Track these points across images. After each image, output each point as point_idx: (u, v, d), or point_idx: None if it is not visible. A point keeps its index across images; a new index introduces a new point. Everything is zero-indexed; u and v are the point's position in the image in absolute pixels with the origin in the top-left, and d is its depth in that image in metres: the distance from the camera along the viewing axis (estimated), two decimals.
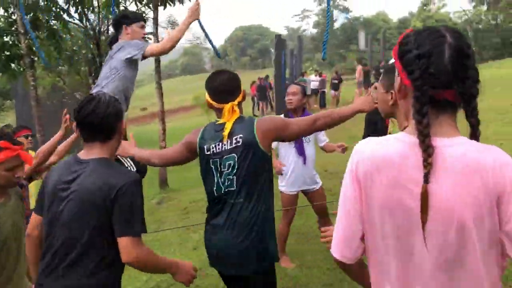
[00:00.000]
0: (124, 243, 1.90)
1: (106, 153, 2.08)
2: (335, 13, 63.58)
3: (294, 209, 4.53)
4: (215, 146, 2.43)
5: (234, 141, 2.40)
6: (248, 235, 2.35)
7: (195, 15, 3.51)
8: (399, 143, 1.29)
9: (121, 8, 8.67)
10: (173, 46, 3.35)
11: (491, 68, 27.14)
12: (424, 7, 43.22)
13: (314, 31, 67.76)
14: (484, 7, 46.71)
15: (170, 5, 9.47)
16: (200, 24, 4.33)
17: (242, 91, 2.55)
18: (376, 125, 4.17)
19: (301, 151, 4.34)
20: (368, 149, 1.34)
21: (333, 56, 57.20)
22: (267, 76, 21.80)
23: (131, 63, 3.36)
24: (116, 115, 2.08)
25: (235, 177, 2.38)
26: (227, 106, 2.46)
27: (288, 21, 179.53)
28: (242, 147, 2.38)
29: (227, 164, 2.40)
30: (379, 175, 1.28)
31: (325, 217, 4.55)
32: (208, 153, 2.45)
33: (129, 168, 3.15)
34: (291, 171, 4.36)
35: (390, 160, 1.26)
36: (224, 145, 2.42)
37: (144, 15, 6.90)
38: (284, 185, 4.48)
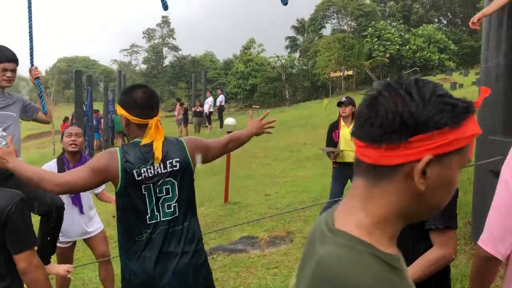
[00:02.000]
0: (22, 256, 2.00)
1: None
2: (165, 50, 64.47)
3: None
4: (147, 170, 2.22)
5: (169, 165, 2.26)
6: (195, 259, 2.31)
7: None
8: None
9: None
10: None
11: (300, 109, 30.33)
12: (246, 51, 46.50)
13: (144, 66, 67.40)
14: (297, 54, 52.42)
15: None
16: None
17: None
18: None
19: (75, 201, 3.99)
20: None
21: (163, 92, 57.41)
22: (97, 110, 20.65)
23: None
24: None
25: (177, 203, 2.27)
26: (152, 122, 2.26)
27: (116, 55, 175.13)
28: (180, 171, 2.28)
29: (164, 189, 2.24)
30: None
31: (106, 263, 4.24)
32: (140, 178, 2.21)
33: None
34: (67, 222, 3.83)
35: None
36: (157, 168, 2.24)
37: None
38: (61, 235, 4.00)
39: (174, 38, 64.27)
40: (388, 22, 49.54)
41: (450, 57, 43.74)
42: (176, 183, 2.27)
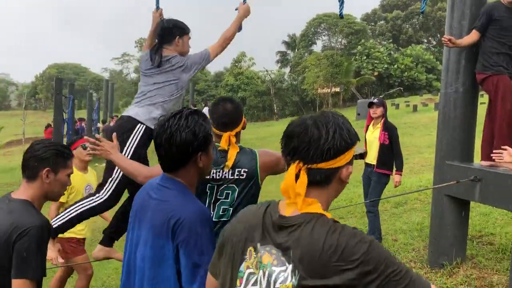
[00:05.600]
0: (16, 284, 1.96)
1: (30, 195, 2.14)
2: None
3: None
4: (216, 172, 2.38)
5: (237, 173, 2.41)
6: None
7: (246, 13, 3.52)
8: None
9: None
10: (227, 45, 3.43)
11: (286, 123, 30.48)
12: (236, 64, 46.77)
13: (135, 75, 67.36)
14: (287, 69, 52.81)
15: None
16: None
17: (242, 121, 2.53)
18: None
19: None
20: None
21: None
22: (82, 119, 20.58)
23: None
24: (41, 160, 2.13)
25: (231, 208, 2.39)
26: (225, 135, 2.42)
27: (107, 63, 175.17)
28: (245, 181, 2.40)
29: (225, 193, 2.40)
30: None
31: None
32: (208, 176, 2.35)
33: (104, 193, 3.09)
34: None
35: None
36: (225, 173, 2.40)
37: None
38: None
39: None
40: (378, 41, 50.24)
41: (438, 77, 44.38)
42: (237, 190, 2.42)
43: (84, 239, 4.36)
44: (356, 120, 21.96)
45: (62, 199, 3.95)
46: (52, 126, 14.46)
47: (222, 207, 2.42)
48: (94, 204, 3.12)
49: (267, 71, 44.16)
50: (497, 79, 3.91)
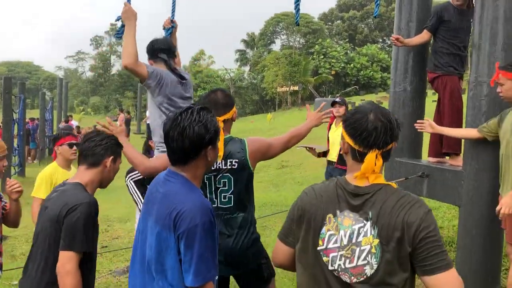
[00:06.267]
0: (61, 255, 2.14)
1: (85, 179, 2.34)
2: (113, 58, 63.10)
3: None
4: None
5: (229, 163, 2.59)
6: (245, 240, 2.63)
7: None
8: None
9: None
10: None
11: (247, 122, 30.57)
12: (195, 62, 46.43)
13: (91, 74, 65.61)
14: (247, 68, 52.89)
15: None
16: None
17: (232, 109, 2.70)
18: None
19: None
20: None
21: (109, 101, 56.08)
22: (34, 118, 19.69)
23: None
24: (106, 148, 2.36)
25: (232, 195, 2.60)
26: None
27: (61, 61, 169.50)
28: (237, 169, 2.59)
29: (222, 182, 2.60)
30: None
31: None
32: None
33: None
34: None
35: None
36: (219, 164, 2.58)
37: None
38: None
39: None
40: (335, 40, 51.19)
41: None
42: (232, 179, 2.60)
43: None
44: None
45: (45, 196, 3.79)
46: (1, 126, 13.87)
47: (223, 194, 2.62)
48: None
49: (226, 69, 44.04)
50: (446, 79, 4.03)
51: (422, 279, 1.60)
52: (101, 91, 59.53)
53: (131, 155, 2.74)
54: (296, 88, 38.53)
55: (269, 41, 52.02)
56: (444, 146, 4.07)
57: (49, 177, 3.85)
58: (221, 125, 2.48)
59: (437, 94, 4.27)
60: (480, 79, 3.47)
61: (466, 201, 3.54)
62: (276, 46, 52.30)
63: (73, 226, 2.14)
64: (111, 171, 2.41)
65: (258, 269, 2.78)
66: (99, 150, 2.34)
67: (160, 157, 2.79)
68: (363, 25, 54.36)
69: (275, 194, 8.21)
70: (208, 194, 2.60)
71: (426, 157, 4.34)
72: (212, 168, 2.56)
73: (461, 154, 3.86)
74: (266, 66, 42.18)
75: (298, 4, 3.32)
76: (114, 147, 2.42)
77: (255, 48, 52.16)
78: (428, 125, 3.70)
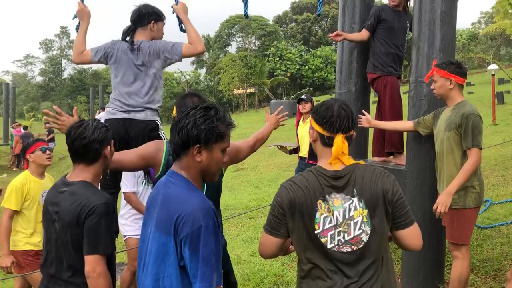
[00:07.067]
0: (89, 260, 2.08)
1: (89, 176, 2.25)
2: (64, 62, 61.18)
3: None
4: None
5: None
6: None
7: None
8: None
9: None
10: (203, 47, 3.35)
11: None
12: None
13: (41, 78, 63.31)
14: (203, 70, 52.59)
15: None
16: None
17: None
18: None
19: None
20: None
21: (61, 106, 54.27)
22: None
23: (166, 64, 3.33)
24: (101, 141, 2.22)
25: None
26: None
27: (9, 66, 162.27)
28: None
29: None
30: None
31: None
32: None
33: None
34: None
35: None
36: None
37: None
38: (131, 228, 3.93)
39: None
40: (290, 42, 51.74)
41: None
42: (204, 184, 2.48)
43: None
44: None
45: (16, 207, 3.66)
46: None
47: None
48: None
49: (181, 72, 43.59)
50: (386, 79, 4.11)
51: (396, 233, 1.95)
52: (52, 96, 57.55)
53: None
54: (252, 90, 38.64)
55: (224, 43, 51.95)
56: (386, 146, 4.14)
57: (20, 187, 3.68)
58: None
59: (377, 94, 4.35)
60: (420, 79, 3.55)
61: (410, 200, 3.59)
62: (232, 48, 52.35)
63: (95, 229, 2.10)
64: (111, 157, 2.33)
65: (226, 274, 2.75)
66: (95, 145, 2.21)
67: (131, 153, 2.60)
68: (317, 28, 55.23)
69: (230, 198, 8.13)
70: None
71: (371, 157, 4.40)
72: None
73: (404, 152, 3.93)
74: (222, 68, 42.07)
75: None
76: (107, 134, 2.28)
77: (211, 50, 51.94)
78: (365, 120, 3.77)
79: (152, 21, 3.32)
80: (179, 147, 1.86)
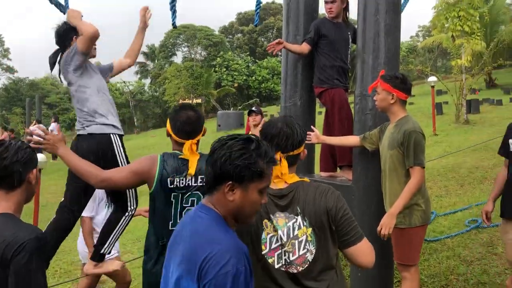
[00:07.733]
0: None
1: (10, 205, 1.88)
2: None
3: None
4: (180, 180, 2.44)
5: (199, 180, 2.47)
6: None
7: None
8: None
9: None
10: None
11: (147, 137, 29.60)
12: None
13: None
14: (148, 80, 51.58)
15: None
16: None
17: (203, 128, 2.59)
18: None
19: None
20: None
21: None
22: None
23: (80, 70, 3.06)
24: (25, 163, 1.91)
25: None
26: (187, 144, 2.47)
27: None
28: (205, 186, 2.38)
29: (190, 201, 2.47)
30: None
31: None
32: (172, 186, 2.43)
33: (133, 203, 3.05)
34: None
35: None
36: (189, 181, 2.46)
37: None
38: None
39: (9, 59, 58.01)
40: (236, 53, 51.90)
41: None
42: (201, 197, 2.43)
43: None
44: (217, 132, 22.10)
45: None
46: None
47: None
48: (130, 217, 3.11)
49: (124, 82, 42.51)
50: (333, 92, 4.03)
51: (345, 251, 1.89)
52: None
53: (80, 168, 2.42)
54: (199, 100, 38.30)
55: (170, 53, 51.24)
56: (339, 160, 4.04)
57: None
58: (194, 147, 2.49)
59: (322, 106, 4.26)
60: (365, 93, 3.48)
61: (358, 217, 3.48)
62: (178, 58, 51.70)
63: (25, 270, 1.73)
64: (35, 184, 1.99)
65: None
66: (17, 167, 1.89)
67: (123, 170, 2.55)
68: (262, 39, 55.78)
69: None
70: (172, 215, 2.47)
71: (318, 172, 4.28)
72: (181, 186, 2.45)
73: None
74: (167, 79, 41.42)
75: (174, 6, 3.26)
76: (32, 155, 1.98)
77: (156, 60, 51.07)
78: (314, 136, 3.66)
79: (74, 37, 3.13)
80: (211, 181, 1.65)
